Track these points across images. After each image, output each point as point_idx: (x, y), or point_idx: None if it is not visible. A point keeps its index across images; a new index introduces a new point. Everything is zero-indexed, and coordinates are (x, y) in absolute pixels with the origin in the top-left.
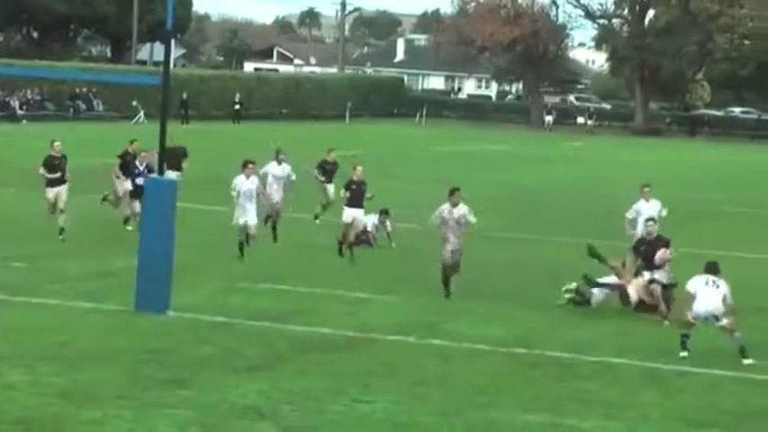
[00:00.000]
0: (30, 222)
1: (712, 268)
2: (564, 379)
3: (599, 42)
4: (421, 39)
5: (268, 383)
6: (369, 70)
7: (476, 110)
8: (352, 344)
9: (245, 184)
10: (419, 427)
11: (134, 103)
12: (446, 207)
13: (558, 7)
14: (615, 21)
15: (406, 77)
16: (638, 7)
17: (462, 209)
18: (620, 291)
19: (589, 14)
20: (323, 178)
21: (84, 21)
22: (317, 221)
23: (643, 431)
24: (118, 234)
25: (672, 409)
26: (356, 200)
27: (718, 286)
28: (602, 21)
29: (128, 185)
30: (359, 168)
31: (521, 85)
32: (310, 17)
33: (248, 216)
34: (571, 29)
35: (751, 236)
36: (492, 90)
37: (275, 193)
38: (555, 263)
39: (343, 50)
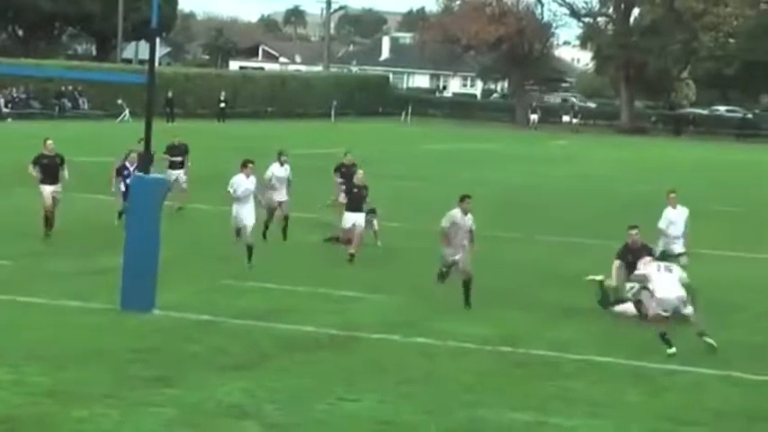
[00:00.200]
0: (15, 220)
1: (662, 256)
2: (549, 377)
3: (584, 41)
4: (406, 37)
5: (253, 382)
6: (354, 68)
7: (461, 108)
8: (337, 342)
9: (244, 183)
10: (404, 426)
11: (119, 101)
12: (458, 213)
13: (543, 5)
14: (600, 19)
15: (391, 76)
16: (622, 6)
17: (471, 218)
18: (636, 306)
19: (574, 13)
20: (341, 180)
21: (70, 19)
22: None
23: (628, 429)
24: (104, 232)
25: (658, 408)
26: (357, 204)
27: (671, 270)
28: (587, 19)
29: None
30: (360, 172)
31: (506, 84)
32: (295, 15)
33: (246, 217)
34: (556, 27)
35: (740, 235)
36: (477, 88)
37: (279, 194)
38: (541, 261)
39: (329, 49)
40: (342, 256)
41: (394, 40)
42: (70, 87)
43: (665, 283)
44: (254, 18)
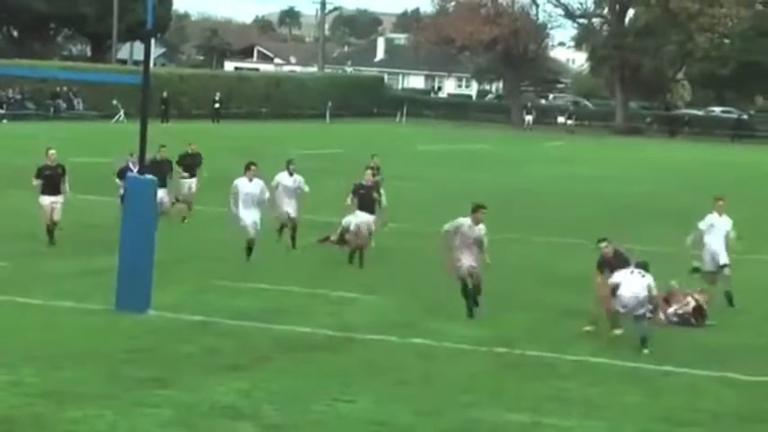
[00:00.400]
0: (12, 222)
1: (639, 264)
2: (545, 378)
3: (579, 42)
4: (401, 38)
5: (249, 383)
6: (349, 69)
7: (456, 109)
8: (333, 343)
9: (246, 186)
10: (401, 427)
11: (114, 102)
12: (467, 222)
13: (538, 6)
14: (595, 20)
15: (386, 77)
16: (617, 6)
17: (482, 228)
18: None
19: (569, 14)
20: None
21: (65, 20)
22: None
23: (624, 430)
24: (99, 233)
25: (653, 409)
26: (366, 205)
27: (643, 275)
28: (582, 20)
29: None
30: (368, 172)
31: (501, 85)
32: (290, 16)
33: (250, 220)
34: (551, 28)
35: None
36: (472, 89)
37: (287, 205)
38: (537, 262)
39: (324, 49)
40: (337, 257)
41: (389, 41)
42: (65, 88)
43: (631, 284)
44: (248, 19)
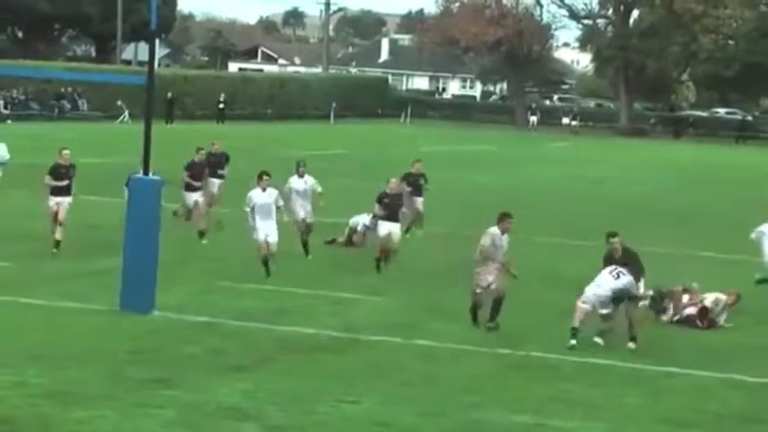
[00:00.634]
0: (16, 222)
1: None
2: (548, 380)
3: (583, 43)
4: (405, 39)
5: (253, 384)
6: (353, 70)
7: (460, 110)
8: (337, 344)
9: (260, 197)
10: (404, 428)
11: (119, 102)
12: (497, 232)
13: (542, 7)
14: (599, 21)
15: (390, 77)
16: (622, 8)
17: (507, 238)
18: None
19: (573, 15)
20: (408, 189)
21: (69, 20)
22: (408, 236)
23: None
24: (103, 234)
25: (656, 410)
26: (392, 213)
27: (618, 276)
28: (586, 21)
29: (196, 196)
30: (393, 181)
31: (505, 86)
32: (294, 17)
33: (268, 231)
34: (555, 29)
35: (742, 237)
36: (476, 90)
37: (300, 209)
38: (541, 263)
39: (328, 50)
40: (340, 259)
41: (393, 42)
42: (69, 89)
43: (601, 281)
44: (252, 20)
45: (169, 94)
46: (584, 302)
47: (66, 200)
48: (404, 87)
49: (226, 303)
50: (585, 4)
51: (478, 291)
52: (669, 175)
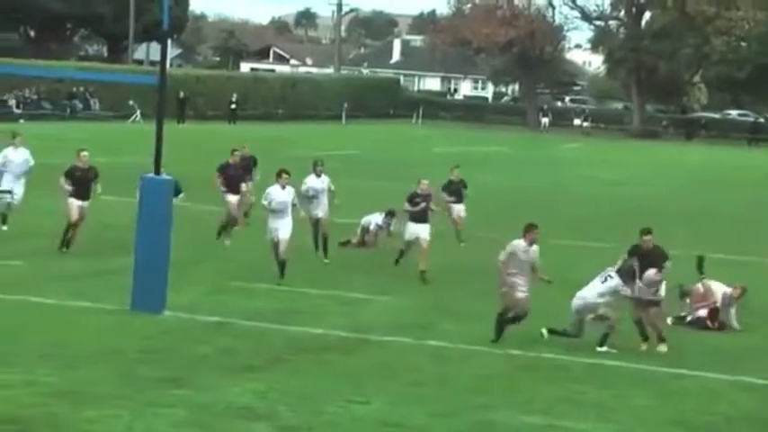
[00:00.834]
0: (28, 220)
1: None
2: (559, 381)
3: (595, 44)
4: (417, 39)
5: (264, 384)
6: (365, 71)
7: (472, 111)
8: (348, 344)
9: (279, 194)
10: (414, 428)
11: (130, 102)
12: (521, 244)
13: (554, 8)
14: (611, 22)
15: (402, 78)
16: (634, 9)
17: (536, 249)
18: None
19: (585, 16)
20: (451, 199)
21: (81, 20)
22: (462, 245)
23: None
24: (115, 233)
25: (667, 412)
26: (421, 215)
27: (605, 280)
28: (598, 22)
29: (233, 199)
30: (424, 182)
31: (517, 87)
32: (306, 17)
33: (280, 228)
34: (567, 30)
35: (752, 239)
36: (488, 91)
37: (316, 207)
38: (552, 265)
39: (340, 51)
40: (351, 259)
41: (405, 43)
42: (81, 88)
43: (589, 287)
44: (265, 20)
45: (181, 94)
46: (576, 312)
47: (87, 204)
48: (415, 88)
49: (237, 303)
50: (597, 6)
51: (515, 308)
52: (681, 176)
